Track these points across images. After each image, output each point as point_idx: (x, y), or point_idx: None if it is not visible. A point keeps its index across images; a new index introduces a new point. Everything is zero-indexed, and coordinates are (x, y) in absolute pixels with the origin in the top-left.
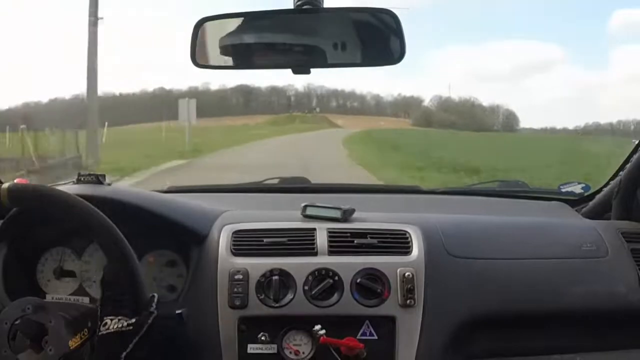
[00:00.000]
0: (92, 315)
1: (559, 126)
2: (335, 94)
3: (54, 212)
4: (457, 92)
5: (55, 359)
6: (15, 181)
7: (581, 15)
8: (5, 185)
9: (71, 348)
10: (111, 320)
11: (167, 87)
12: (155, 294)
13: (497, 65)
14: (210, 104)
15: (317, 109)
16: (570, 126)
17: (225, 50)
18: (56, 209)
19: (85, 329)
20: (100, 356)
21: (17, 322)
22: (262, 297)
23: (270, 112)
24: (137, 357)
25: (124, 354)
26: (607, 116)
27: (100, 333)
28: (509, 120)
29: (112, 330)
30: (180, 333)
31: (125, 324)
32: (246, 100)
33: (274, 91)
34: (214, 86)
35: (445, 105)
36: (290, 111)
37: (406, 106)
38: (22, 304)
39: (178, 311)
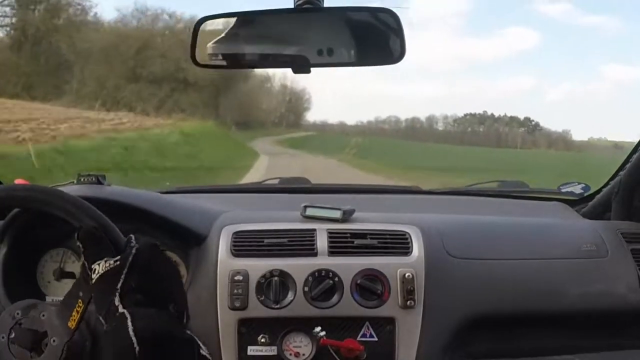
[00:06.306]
0: (80, 285)
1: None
2: None
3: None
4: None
5: (60, 348)
6: (15, 182)
7: None
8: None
9: (72, 328)
10: (99, 264)
11: None
12: (132, 235)
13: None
14: None
15: None
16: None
17: (225, 49)
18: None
19: (79, 300)
20: (99, 298)
21: (12, 336)
22: (262, 298)
23: None
24: (129, 288)
25: (119, 285)
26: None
27: (92, 281)
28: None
29: (102, 271)
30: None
31: (112, 262)
32: None
33: None
34: None
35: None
36: None
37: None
38: (11, 311)
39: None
